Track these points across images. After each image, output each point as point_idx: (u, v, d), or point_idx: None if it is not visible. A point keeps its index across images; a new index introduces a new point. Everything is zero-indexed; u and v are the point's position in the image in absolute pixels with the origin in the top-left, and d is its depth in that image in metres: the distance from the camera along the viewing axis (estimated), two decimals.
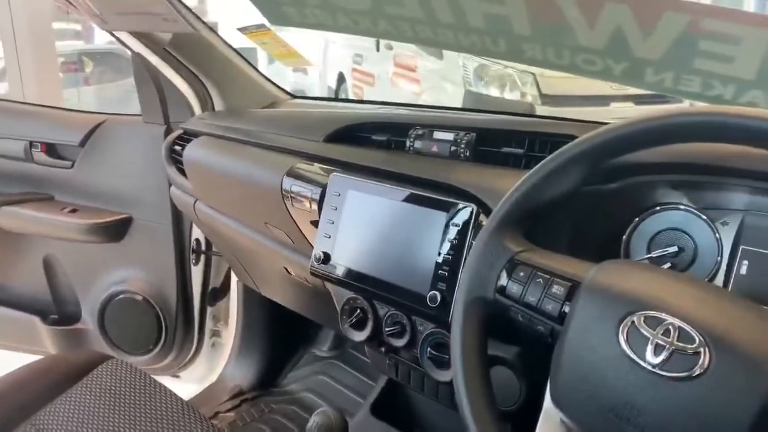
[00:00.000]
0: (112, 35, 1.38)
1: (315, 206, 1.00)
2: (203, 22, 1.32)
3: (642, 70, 0.93)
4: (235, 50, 1.46)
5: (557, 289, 0.59)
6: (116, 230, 1.63)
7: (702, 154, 0.72)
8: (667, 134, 0.57)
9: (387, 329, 0.95)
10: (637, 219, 0.84)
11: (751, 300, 0.75)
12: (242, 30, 1.33)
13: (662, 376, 0.49)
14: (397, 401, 1.16)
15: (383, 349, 0.98)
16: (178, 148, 1.36)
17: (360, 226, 0.94)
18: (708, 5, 0.78)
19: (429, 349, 0.91)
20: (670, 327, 0.50)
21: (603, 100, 3.95)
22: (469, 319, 0.64)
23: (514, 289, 0.61)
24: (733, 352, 0.47)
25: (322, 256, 0.97)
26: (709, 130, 0.54)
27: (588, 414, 0.54)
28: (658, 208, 0.82)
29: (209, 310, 1.75)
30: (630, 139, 0.58)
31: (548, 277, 0.60)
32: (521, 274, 0.61)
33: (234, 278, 1.69)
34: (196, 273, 1.67)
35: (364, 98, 6.09)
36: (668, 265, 0.80)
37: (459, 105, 4.37)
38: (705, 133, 0.55)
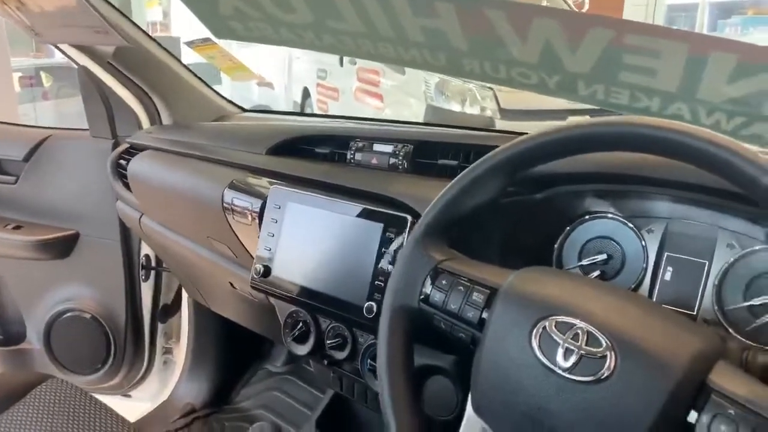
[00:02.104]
0: (57, 48, 1.36)
1: (256, 219, 0.99)
2: (146, 34, 1.31)
3: (574, 84, 0.96)
4: (182, 64, 1.45)
5: (477, 297, 0.60)
6: (62, 247, 1.59)
7: (624, 164, 0.74)
8: (573, 145, 0.58)
9: (329, 342, 0.95)
10: (568, 228, 0.85)
11: (674, 304, 0.77)
12: (189, 44, 1.33)
13: (572, 380, 0.50)
14: (343, 414, 1.16)
15: (326, 362, 0.98)
16: (123, 162, 1.34)
17: (300, 238, 0.94)
18: (629, 20, 0.80)
19: (369, 360, 0.91)
20: (579, 331, 0.51)
21: (560, 114, 4.02)
22: (394, 328, 0.64)
23: (437, 297, 0.62)
24: (637, 354, 0.49)
25: (262, 270, 0.96)
26: (610, 140, 0.56)
27: (504, 420, 0.55)
28: (587, 217, 0.85)
29: (160, 327, 1.71)
30: (540, 150, 0.60)
31: (469, 284, 0.61)
32: (444, 282, 0.62)
33: (185, 294, 1.66)
34: (146, 289, 1.63)
35: (329, 113, 6.11)
36: (597, 272, 0.82)
37: (421, 119, 4.42)
38: (607, 143, 0.57)
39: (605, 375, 0.49)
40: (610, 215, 0.83)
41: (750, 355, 0.56)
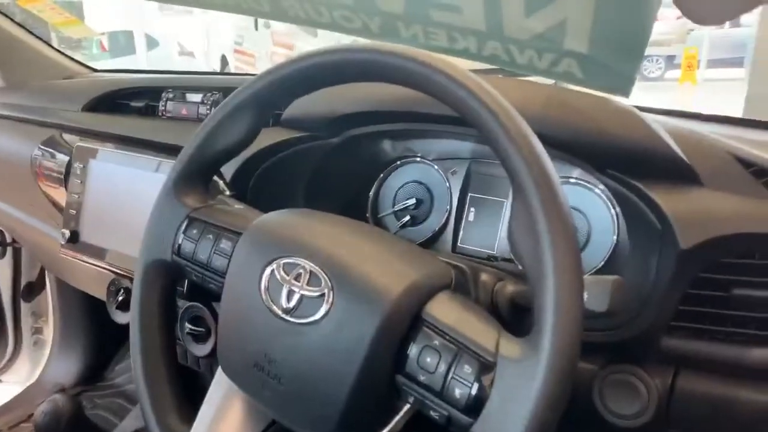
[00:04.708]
0: None
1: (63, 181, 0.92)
2: None
3: (395, 26, 0.92)
4: (15, 23, 1.33)
5: (225, 244, 0.55)
6: None
7: (399, 101, 0.70)
8: (312, 77, 0.53)
9: None
10: (381, 175, 0.83)
11: (477, 245, 0.76)
12: None
13: (291, 323, 0.47)
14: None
15: None
16: None
17: (106, 199, 0.87)
18: None
19: (187, 324, 0.87)
20: (302, 271, 0.47)
21: (493, 72, 4.00)
22: (148, 284, 0.59)
23: (188, 247, 0.57)
24: (349, 291, 0.45)
25: (68, 235, 0.89)
26: (331, 72, 0.52)
27: (238, 369, 0.51)
28: (399, 162, 0.82)
29: (26, 306, 1.61)
30: (277, 86, 0.55)
31: (218, 232, 0.56)
32: (194, 231, 0.57)
33: None
34: (3, 267, 1.53)
35: None
36: (408, 218, 0.80)
37: None
38: (332, 75, 0.52)
39: (322, 314, 0.46)
40: (418, 159, 0.81)
41: (499, 287, 0.54)
